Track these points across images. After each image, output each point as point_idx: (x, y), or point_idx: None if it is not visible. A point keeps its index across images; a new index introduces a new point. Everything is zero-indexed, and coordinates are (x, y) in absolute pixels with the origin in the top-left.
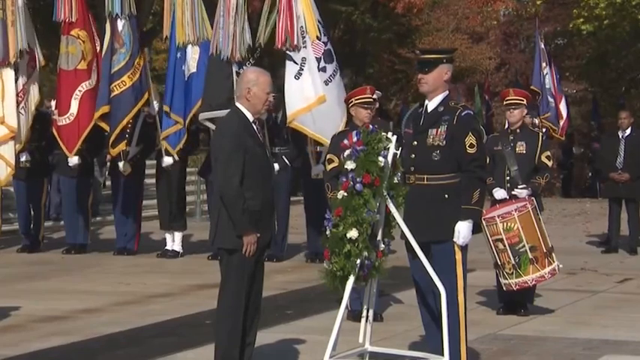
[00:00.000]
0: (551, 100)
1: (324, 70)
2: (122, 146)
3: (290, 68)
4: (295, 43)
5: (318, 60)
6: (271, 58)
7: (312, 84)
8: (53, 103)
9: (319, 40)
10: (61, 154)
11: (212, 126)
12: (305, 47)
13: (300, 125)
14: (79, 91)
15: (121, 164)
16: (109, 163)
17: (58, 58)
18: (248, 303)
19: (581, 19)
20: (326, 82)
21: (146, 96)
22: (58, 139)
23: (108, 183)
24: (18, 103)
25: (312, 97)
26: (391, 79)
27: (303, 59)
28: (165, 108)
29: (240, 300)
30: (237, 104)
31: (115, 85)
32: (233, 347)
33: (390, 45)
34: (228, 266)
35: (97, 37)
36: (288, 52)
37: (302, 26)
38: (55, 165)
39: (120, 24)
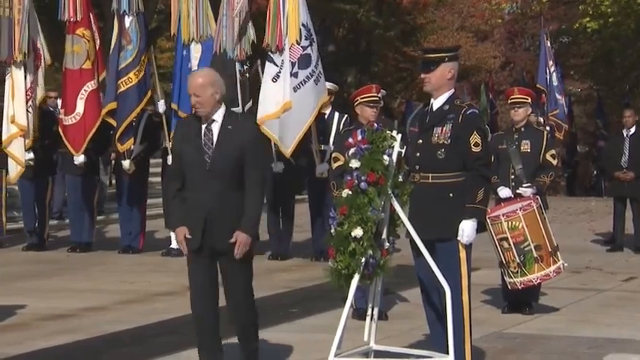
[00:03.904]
0: (559, 97)
1: (295, 75)
2: (130, 142)
3: (269, 70)
4: (281, 44)
5: (293, 65)
6: None
7: (282, 89)
8: (60, 101)
9: (298, 44)
10: (67, 152)
11: None
12: (284, 50)
13: (268, 130)
14: (85, 90)
15: (125, 163)
16: (113, 162)
17: (64, 57)
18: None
19: (587, 18)
20: (295, 89)
21: (149, 94)
22: (64, 139)
23: (113, 182)
24: (26, 102)
25: (281, 103)
26: (396, 78)
27: (282, 62)
28: (173, 106)
29: (192, 299)
30: None
31: (122, 82)
32: (198, 347)
33: (395, 43)
34: None
35: (98, 36)
36: (270, 53)
37: (284, 28)
38: (58, 163)
39: (127, 21)
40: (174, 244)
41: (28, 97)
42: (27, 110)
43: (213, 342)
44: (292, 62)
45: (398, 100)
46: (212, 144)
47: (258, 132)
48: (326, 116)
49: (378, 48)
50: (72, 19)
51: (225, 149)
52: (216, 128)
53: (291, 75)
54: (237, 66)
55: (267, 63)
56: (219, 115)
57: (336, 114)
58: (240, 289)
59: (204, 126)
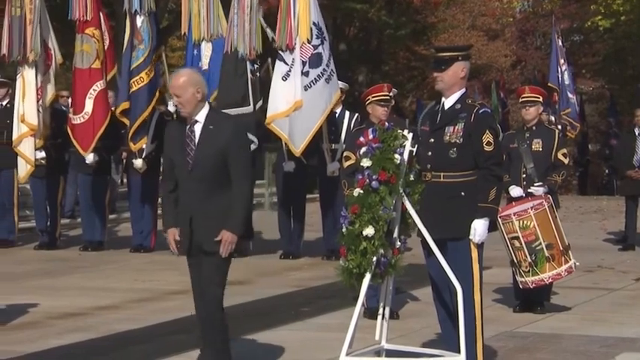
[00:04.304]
0: (571, 96)
1: (306, 74)
2: (143, 141)
3: (280, 68)
4: (291, 43)
5: (303, 63)
6: None
7: (293, 87)
8: (70, 100)
9: (309, 43)
10: (78, 151)
11: None
12: (295, 49)
13: (277, 128)
14: (94, 90)
15: (136, 162)
16: (124, 161)
17: (74, 57)
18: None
19: (599, 16)
20: (305, 88)
21: (158, 93)
22: (72, 138)
23: (124, 180)
24: (37, 101)
25: (291, 101)
26: (407, 77)
27: (293, 61)
28: None
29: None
30: None
31: (134, 81)
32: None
33: (406, 42)
34: None
35: (108, 35)
36: (280, 51)
37: (295, 27)
38: (70, 162)
39: (139, 20)
40: None
41: (39, 97)
42: (37, 110)
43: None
44: (303, 61)
45: (409, 99)
46: (194, 145)
47: (240, 129)
48: (337, 115)
49: (388, 47)
50: (82, 19)
51: (207, 150)
52: (198, 129)
53: (301, 74)
54: (249, 65)
55: (278, 62)
56: (201, 116)
57: (347, 113)
58: (210, 279)
59: (187, 127)
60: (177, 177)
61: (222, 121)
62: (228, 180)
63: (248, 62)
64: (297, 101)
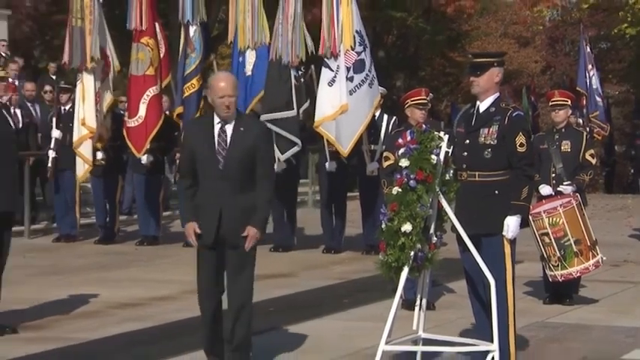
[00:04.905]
0: (598, 99)
1: (351, 79)
2: None
3: (325, 75)
4: (335, 50)
5: (348, 69)
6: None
7: (339, 92)
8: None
9: (352, 50)
10: None
11: (273, 127)
12: (339, 56)
13: (325, 131)
14: (147, 95)
15: None
16: (178, 161)
17: (130, 64)
18: (216, 293)
19: (625, 24)
20: (350, 92)
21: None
22: (127, 140)
23: (177, 179)
24: (95, 106)
25: (337, 105)
26: (442, 82)
27: (338, 67)
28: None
29: (200, 287)
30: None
31: (186, 87)
32: (203, 336)
33: (442, 49)
34: None
35: (163, 44)
36: (326, 59)
37: (339, 36)
38: (128, 163)
39: (192, 30)
40: None
41: (97, 102)
42: (96, 114)
43: (220, 330)
44: (347, 67)
45: (444, 103)
46: (226, 145)
47: (267, 132)
48: (376, 117)
49: (425, 53)
50: (138, 29)
51: (238, 150)
52: (229, 130)
53: (346, 79)
54: (292, 72)
55: (323, 68)
56: (232, 117)
57: (385, 116)
58: (242, 272)
59: (218, 127)
60: (201, 174)
61: (252, 124)
62: (253, 178)
63: (292, 69)
64: (342, 105)
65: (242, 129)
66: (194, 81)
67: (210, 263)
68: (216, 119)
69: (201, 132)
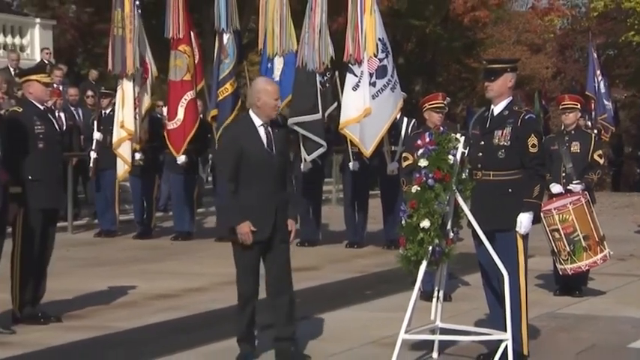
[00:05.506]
0: (606, 103)
1: (373, 84)
2: None
3: (350, 80)
4: (359, 57)
5: (371, 75)
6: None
7: (362, 96)
8: (165, 109)
9: (375, 57)
10: (171, 153)
11: (300, 130)
12: (363, 62)
13: (350, 133)
14: (185, 99)
15: None
16: (210, 162)
17: (168, 71)
18: (266, 288)
19: (632, 32)
20: (373, 96)
21: (240, 102)
22: (167, 142)
23: (210, 178)
24: (134, 109)
25: (361, 109)
26: (458, 86)
27: (361, 73)
28: None
29: (243, 280)
30: (250, 111)
31: (220, 91)
32: (238, 324)
33: (458, 55)
34: (233, 255)
35: (198, 51)
36: (350, 64)
37: (363, 43)
38: (164, 163)
39: (225, 37)
40: None
41: (136, 106)
42: (134, 117)
43: (254, 319)
44: (370, 73)
45: (460, 107)
46: (272, 145)
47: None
48: (396, 120)
49: (442, 60)
50: (175, 37)
51: (280, 149)
52: (270, 131)
53: (369, 84)
54: (318, 77)
55: (348, 74)
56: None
57: (405, 118)
58: (287, 266)
59: (262, 129)
60: (250, 174)
61: (280, 126)
62: (287, 176)
63: (318, 75)
64: (366, 108)
65: (277, 130)
66: (228, 85)
67: (255, 258)
68: (258, 121)
69: (247, 134)
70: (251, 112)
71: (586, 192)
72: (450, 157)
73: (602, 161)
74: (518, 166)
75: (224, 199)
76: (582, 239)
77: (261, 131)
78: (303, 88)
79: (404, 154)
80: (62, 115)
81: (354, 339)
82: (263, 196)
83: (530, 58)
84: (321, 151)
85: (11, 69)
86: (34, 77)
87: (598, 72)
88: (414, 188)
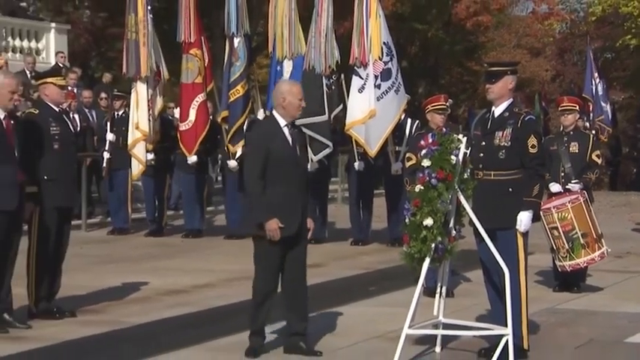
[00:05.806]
0: (604, 105)
1: (378, 87)
2: (241, 144)
3: (355, 82)
4: (365, 60)
5: (376, 77)
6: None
7: (368, 98)
8: (177, 111)
9: (380, 60)
10: (182, 153)
11: (307, 131)
12: (368, 65)
13: (355, 133)
14: (196, 101)
15: (230, 162)
16: (220, 162)
17: (180, 74)
18: (283, 284)
19: (629, 35)
20: (378, 98)
21: (250, 104)
22: (180, 142)
23: (219, 178)
24: (148, 111)
25: (366, 110)
26: (460, 89)
27: (367, 75)
28: (267, 113)
29: (264, 275)
30: (273, 112)
31: (231, 93)
32: (252, 318)
33: (460, 58)
34: (255, 252)
35: (208, 55)
36: (356, 67)
37: (368, 47)
38: (175, 163)
39: (236, 41)
40: None
41: (149, 108)
42: (148, 118)
43: (266, 314)
44: (375, 75)
45: (462, 108)
46: (296, 144)
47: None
48: (400, 121)
49: (445, 63)
50: (187, 41)
51: (302, 148)
52: (293, 131)
53: (374, 86)
54: (324, 80)
55: (354, 76)
56: None
57: (409, 119)
58: (305, 265)
59: (286, 128)
60: (278, 172)
61: (295, 128)
62: None
63: (324, 77)
64: (371, 110)
65: (296, 130)
66: (239, 87)
67: (279, 256)
68: (282, 122)
69: (274, 134)
70: (275, 113)
71: (584, 191)
72: (453, 157)
73: (599, 161)
74: (519, 166)
75: (250, 197)
76: (581, 237)
77: (286, 131)
78: (309, 90)
79: (407, 155)
80: (77, 116)
81: (359, 333)
82: (290, 194)
83: (530, 62)
84: (327, 151)
85: (27, 72)
86: (49, 80)
87: (596, 75)
88: (418, 187)
